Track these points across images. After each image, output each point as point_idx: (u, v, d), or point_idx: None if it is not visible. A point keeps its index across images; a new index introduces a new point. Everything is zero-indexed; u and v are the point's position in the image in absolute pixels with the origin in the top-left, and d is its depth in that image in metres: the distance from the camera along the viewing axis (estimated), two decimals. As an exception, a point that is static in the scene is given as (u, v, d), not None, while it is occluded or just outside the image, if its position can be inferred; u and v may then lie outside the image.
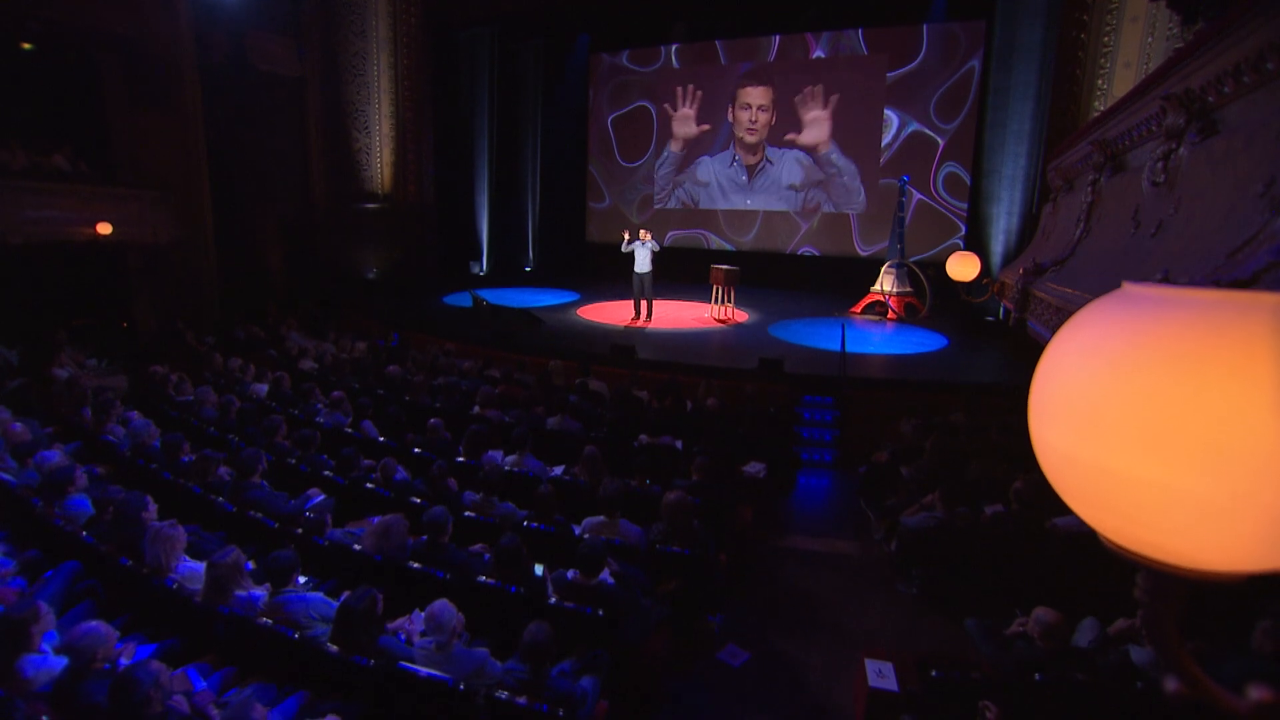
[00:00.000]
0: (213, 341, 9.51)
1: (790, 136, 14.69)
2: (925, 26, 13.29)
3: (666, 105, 15.85)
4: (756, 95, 14.94)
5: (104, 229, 9.85)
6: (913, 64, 13.50)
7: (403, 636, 3.31)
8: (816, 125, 14.45)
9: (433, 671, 2.85)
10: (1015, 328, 3.91)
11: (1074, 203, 3.51)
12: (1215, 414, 0.53)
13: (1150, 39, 7.93)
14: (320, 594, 3.45)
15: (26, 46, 10.56)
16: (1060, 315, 2.62)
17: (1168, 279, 1.45)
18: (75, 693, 2.58)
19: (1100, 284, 2.31)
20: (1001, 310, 10.01)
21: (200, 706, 2.71)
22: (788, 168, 14.92)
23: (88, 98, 11.02)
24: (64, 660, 2.73)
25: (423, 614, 3.15)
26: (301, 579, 3.56)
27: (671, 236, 15.99)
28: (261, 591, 3.39)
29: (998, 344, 9.50)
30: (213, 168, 11.54)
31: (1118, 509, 0.58)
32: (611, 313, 11.73)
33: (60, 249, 9.96)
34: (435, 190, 15.25)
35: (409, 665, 2.88)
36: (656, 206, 16.42)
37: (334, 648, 2.96)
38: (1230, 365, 0.53)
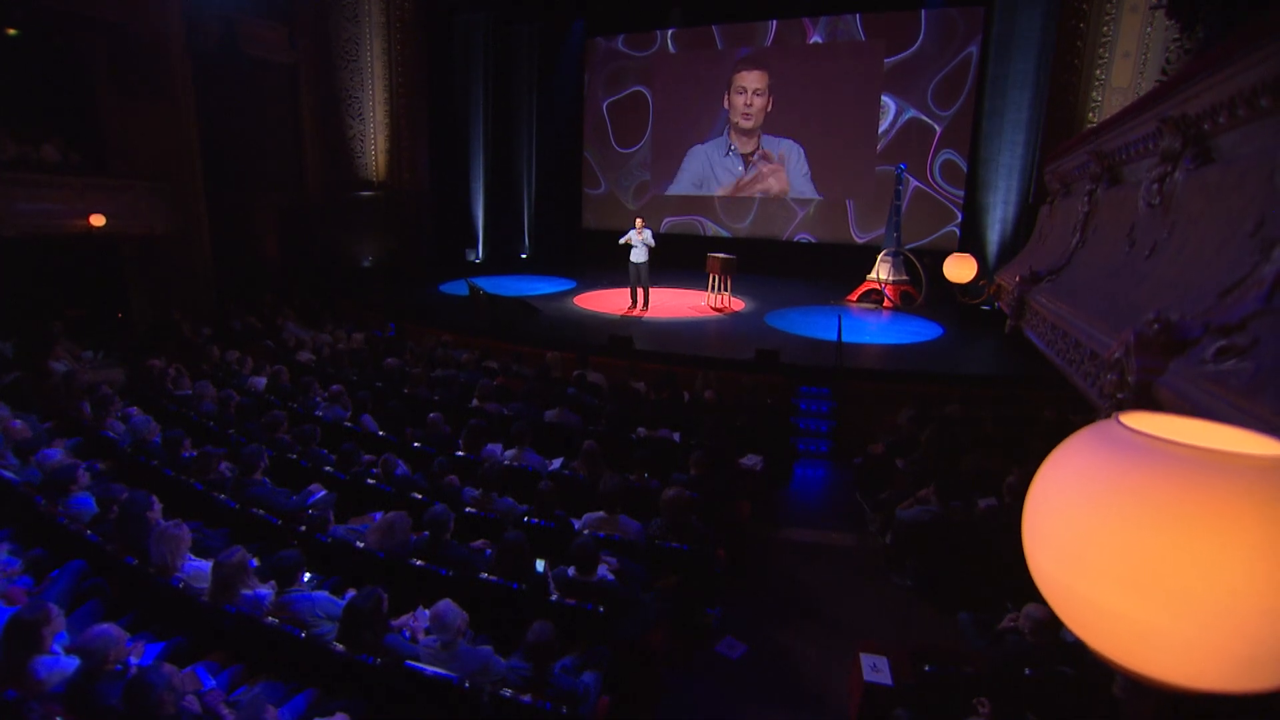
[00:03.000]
0: (209, 333, 9.49)
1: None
2: (923, 12, 13.17)
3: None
4: (753, 79, 14.82)
5: (97, 221, 9.76)
6: (910, 50, 13.40)
7: (407, 634, 3.36)
8: (775, 176, 15.01)
9: (438, 670, 2.91)
10: (1011, 334, 3.94)
11: (1070, 209, 3.53)
12: (1187, 564, 0.59)
13: (1149, 29, 7.91)
14: (325, 592, 3.50)
15: (12, 32, 10.38)
16: (1056, 331, 2.66)
17: (1160, 319, 1.48)
18: (88, 694, 2.63)
19: (1096, 304, 2.34)
20: (997, 303, 10.06)
21: (211, 706, 2.77)
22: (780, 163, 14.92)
23: (77, 86, 10.85)
24: (75, 661, 2.77)
25: (427, 611, 3.20)
26: (305, 576, 3.61)
27: (668, 223, 15.95)
28: (267, 590, 3.43)
29: (993, 333, 9.55)
30: (206, 157, 11.42)
31: (1099, 632, 0.64)
32: (608, 301, 11.73)
33: (54, 241, 9.88)
34: (430, 177, 15.13)
35: (415, 664, 2.94)
36: (653, 193, 16.35)
37: (340, 646, 3.01)
38: (1205, 522, 0.58)
